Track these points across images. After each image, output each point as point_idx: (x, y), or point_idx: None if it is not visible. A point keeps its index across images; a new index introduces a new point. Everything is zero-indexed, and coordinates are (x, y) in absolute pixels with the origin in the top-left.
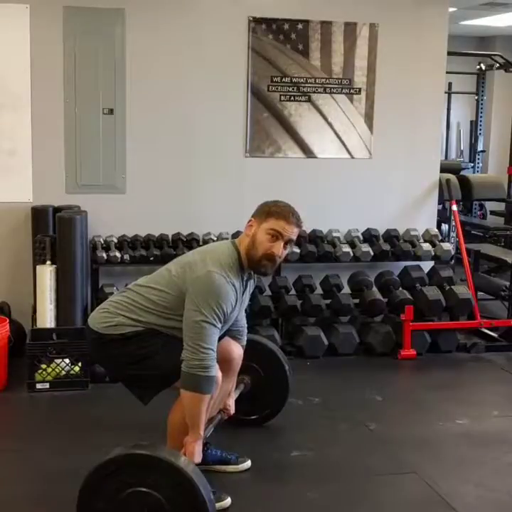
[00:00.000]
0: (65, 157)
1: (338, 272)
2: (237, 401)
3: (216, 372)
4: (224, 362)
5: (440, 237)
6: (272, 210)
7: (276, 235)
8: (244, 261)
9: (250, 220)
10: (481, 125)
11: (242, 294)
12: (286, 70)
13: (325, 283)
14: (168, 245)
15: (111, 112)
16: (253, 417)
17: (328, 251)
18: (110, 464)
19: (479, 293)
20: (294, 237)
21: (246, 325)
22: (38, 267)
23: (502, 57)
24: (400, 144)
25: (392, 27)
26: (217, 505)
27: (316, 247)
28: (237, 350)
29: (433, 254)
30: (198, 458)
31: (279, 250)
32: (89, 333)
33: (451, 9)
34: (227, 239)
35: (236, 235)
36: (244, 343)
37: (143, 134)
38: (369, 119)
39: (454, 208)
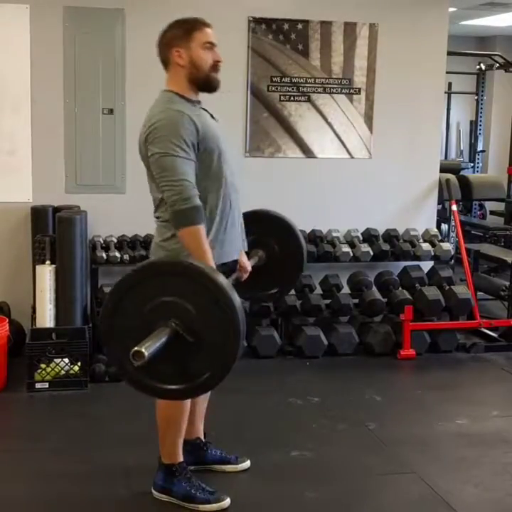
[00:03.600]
0: (65, 157)
1: (337, 272)
2: (253, 274)
3: (199, 201)
4: None
5: (440, 237)
6: (189, 26)
7: (210, 44)
8: (185, 92)
9: (176, 51)
10: (480, 125)
11: (212, 117)
12: (286, 70)
13: (324, 283)
14: None
15: (111, 111)
16: (272, 291)
17: (327, 251)
18: (138, 273)
19: (479, 293)
20: None
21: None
22: (37, 266)
23: (502, 57)
24: (399, 144)
25: (392, 27)
26: (217, 505)
27: (316, 247)
28: None
29: (433, 254)
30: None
31: (220, 56)
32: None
33: (451, 9)
34: None
35: None
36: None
37: None
38: (369, 119)
39: (454, 207)
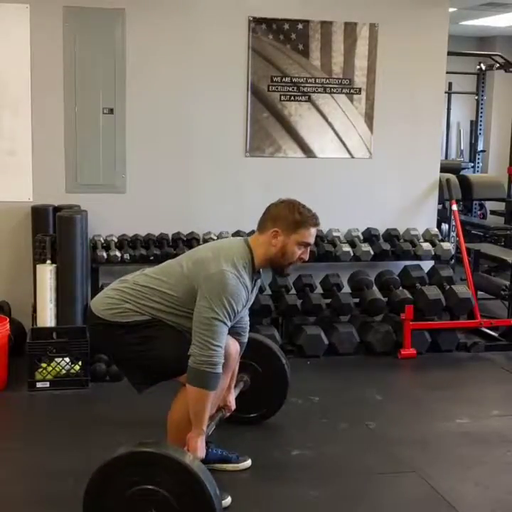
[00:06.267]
0: (65, 157)
1: (338, 272)
2: (237, 399)
3: (221, 369)
4: None
5: (440, 237)
6: (300, 221)
7: (307, 244)
8: (258, 262)
9: (276, 231)
10: (481, 125)
11: (251, 292)
12: (287, 70)
13: (325, 282)
14: (168, 245)
15: (111, 111)
16: (253, 415)
17: (328, 250)
18: (115, 462)
19: (479, 292)
20: None
21: (248, 322)
22: (38, 266)
23: (502, 57)
24: (399, 143)
25: (392, 27)
26: None
27: (316, 246)
28: (234, 347)
29: (433, 253)
30: (201, 453)
31: (307, 255)
32: (92, 318)
33: (451, 9)
34: (227, 237)
35: (236, 234)
36: (246, 340)
37: (143, 133)
38: (369, 119)
39: (454, 207)
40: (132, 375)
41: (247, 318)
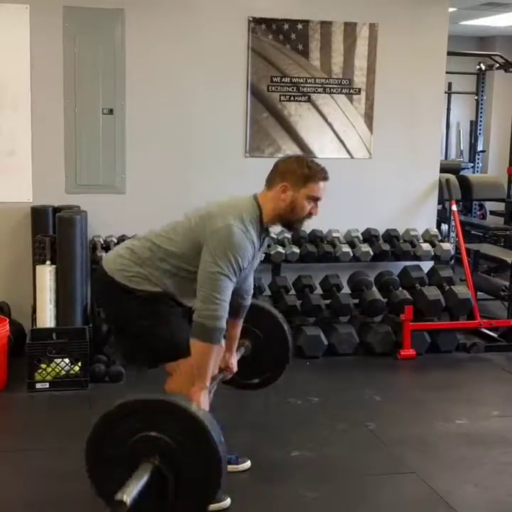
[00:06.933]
0: (65, 157)
1: (337, 272)
2: (239, 363)
3: (225, 324)
4: None
5: (440, 237)
6: (309, 175)
7: (316, 199)
8: (267, 218)
9: (284, 186)
10: (481, 125)
11: (258, 250)
12: (286, 70)
13: (325, 283)
14: None
15: (111, 112)
16: (255, 381)
17: (327, 251)
18: (120, 409)
19: (479, 293)
20: None
21: (252, 285)
22: (37, 266)
23: (502, 57)
24: (400, 144)
25: (392, 27)
26: (217, 505)
27: (316, 247)
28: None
29: (433, 254)
30: (205, 406)
31: (318, 211)
32: (102, 274)
33: (451, 9)
34: None
35: None
36: (248, 304)
37: (143, 134)
38: (369, 119)
39: (454, 207)
40: (126, 347)
41: (252, 280)
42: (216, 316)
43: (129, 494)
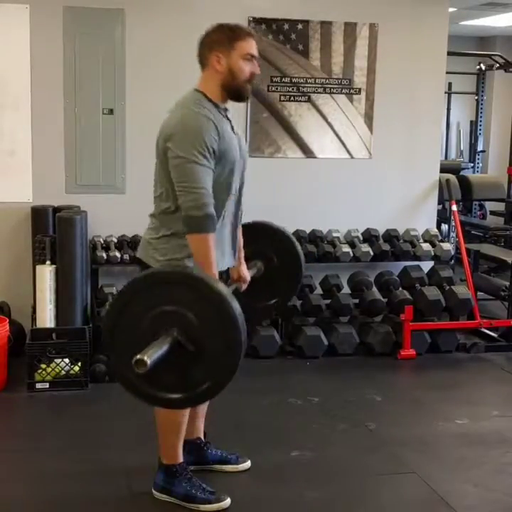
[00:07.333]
0: (65, 157)
1: (337, 272)
2: (251, 286)
3: (213, 210)
4: None
5: (440, 237)
6: (232, 36)
7: (251, 56)
8: (213, 96)
9: (216, 56)
10: (481, 125)
11: (232, 129)
12: (286, 70)
13: (325, 283)
14: None
15: (111, 112)
16: (267, 303)
17: (327, 251)
18: (139, 281)
19: (479, 293)
20: None
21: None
22: (37, 266)
23: (502, 57)
24: (400, 144)
25: (392, 27)
26: (217, 505)
27: (316, 247)
28: None
29: (433, 254)
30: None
31: (258, 68)
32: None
33: (451, 9)
34: None
35: None
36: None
37: (143, 134)
38: (369, 119)
39: (454, 208)
40: None
41: (243, 182)
42: (199, 205)
43: (149, 356)
